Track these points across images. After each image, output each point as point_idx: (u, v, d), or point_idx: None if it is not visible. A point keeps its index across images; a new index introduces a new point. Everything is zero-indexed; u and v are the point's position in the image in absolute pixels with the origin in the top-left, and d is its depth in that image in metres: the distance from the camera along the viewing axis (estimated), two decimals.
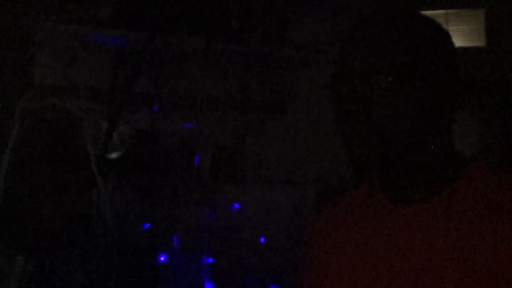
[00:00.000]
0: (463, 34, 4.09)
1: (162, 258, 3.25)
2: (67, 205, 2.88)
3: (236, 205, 3.49)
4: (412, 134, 1.15)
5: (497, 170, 1.21)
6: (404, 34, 1.15)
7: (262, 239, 3.40)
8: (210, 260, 3.38)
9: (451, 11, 4.10)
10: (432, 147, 1.19)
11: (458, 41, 4.08)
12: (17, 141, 2.72)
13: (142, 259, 3.17)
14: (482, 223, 1.12)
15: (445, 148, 1.22)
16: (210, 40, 2.96)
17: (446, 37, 1.21)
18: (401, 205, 1.21)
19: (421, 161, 1.19)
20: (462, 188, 1.18)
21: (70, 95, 2.85)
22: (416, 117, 1.14)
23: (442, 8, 4.10)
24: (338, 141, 1.19)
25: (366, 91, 1.12)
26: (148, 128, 3.04)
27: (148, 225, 3.18)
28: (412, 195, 1.20)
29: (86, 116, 2.87)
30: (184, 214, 3.35)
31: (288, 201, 3.51)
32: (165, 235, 3.28)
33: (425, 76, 1.14)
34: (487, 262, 1.09)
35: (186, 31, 2.91)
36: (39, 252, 2.78)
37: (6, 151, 2.68)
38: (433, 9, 4.13)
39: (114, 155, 2.95)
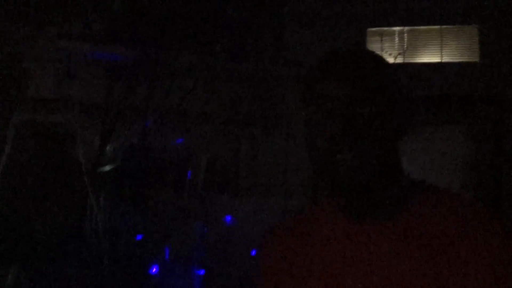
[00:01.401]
0: (456, 50, 4.12)
1: (154, 270, 3.28)
2: (60, 217, 2.91)
3: (229, 218, 3.51)
4: (372, 160, 1.20)
5: (445, 192, 1.27)
6: (361, 68, 1.21)
7: (253, 252, 3.42)
8: (202, 272, 3.40)
9: (445, 27, 4.13)
10: (386, 172, 1.24)
11: (452, 57, 4.12)
12: (11, 154, 2.75)
13: (135, 271, 3.19)
14: (435, 241, 1.17)
15: (397, 172, 1.28)
16: (203, 55, 3.00)
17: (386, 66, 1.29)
18: (362, 225, 1.26)
19: (379, 184, 1.24)
20: (416, 209, 1.24)
21: (64, 109, 2.88)
22: (375, 144, 1.20)
23: (437, 24, 4.13)
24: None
25: (337, 122, 1.18)
26: (141, 142, 3.07)
27: (141, 236, 3.21)
28: (372, 216, 1.25)
29: (80, 130, 2.91)
30: (176, 227, 3.37)
31: (281, 212, 3.54)
32: (157, 247, 3.30)
33: (378, 104, 1.20)
34: (441, 279, 1.14)
35: (179, 46, 2.95)
36: (32, 264, 2.80)
37: (0, 164, 2.71)
38: (428, 25, 4.17)
39: (107, 168, 2.98)
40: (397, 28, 4.20)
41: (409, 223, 1.24)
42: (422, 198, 1.27)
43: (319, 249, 1.30)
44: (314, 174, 1.24)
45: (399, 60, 4.10)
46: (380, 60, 1.31)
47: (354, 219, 1.28)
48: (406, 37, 4.21)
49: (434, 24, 4.18)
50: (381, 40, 4.20)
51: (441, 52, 4.14)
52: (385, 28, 4.20)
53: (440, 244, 1.18)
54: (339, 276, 1.26)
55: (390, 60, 4.05)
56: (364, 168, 1.20)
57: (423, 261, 1.19)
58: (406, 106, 1.27)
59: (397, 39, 4.19)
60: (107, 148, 2.94)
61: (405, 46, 4.19)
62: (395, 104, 1.26)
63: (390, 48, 4.16)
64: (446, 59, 4.13)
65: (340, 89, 1.21)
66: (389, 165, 1.25)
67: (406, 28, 4.20)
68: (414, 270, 1.19)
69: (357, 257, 1.25)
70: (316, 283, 1.28)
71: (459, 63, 4.07)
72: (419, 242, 1.20)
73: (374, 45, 4.19)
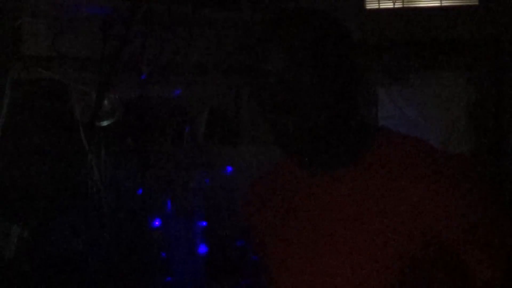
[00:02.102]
0: None
1: (156, 223, 3.30)
2: (60, 173, 2.93)
3: (230, 168, 3.53)
4: (325, 113, 1.26)
5: (400, 136, 1.29)
6: (305, 32, 1.22)
7: None
8: (204, 223, 3.43)
9: None
10: (342, 120, 1.30)
11: (451, 0, 4.07)
12: (8, 112, 2.75)
13: (137, 224, 3.22)
14: (394, 185, 1.22)
15: (354, 121, 1.32)
16: (197, 6, 2.97)
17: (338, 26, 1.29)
18: (319, 176, 1.28)
19: (336, 135, 1.29)
20: (373, 155, 1.28)
21: (59, 65, 2.86)
22: (327, 99, 1.25)
23: None
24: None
25: (281, 89, 1.24)
26: (138, 96, 3.07)
27: (141, 190, 3.23)
28: (327, 167, 1.27)
29: (76, 86, 2.90)
30: (177, 179, 3.39)
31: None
32: (159, 200, 3.32)
33: (330, 63, 1.22)
34: (403, 222, 1.19)
35: None
36: (34, 220, 2.83)
37: None
38: None
39: (105, 123, 2.98)
40: None
41: (365, 169, 1.28)
42: (377, 144, 1.29)
43: (285, 201, 1.37)
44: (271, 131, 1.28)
45: (398, 4, 4.05)
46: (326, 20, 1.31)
47: (310, 172, 1.32)
48: None
49: None
50: None
51: None
52: None
53: (396, 188, 1.21)
54: (301, 227, 1.31)
55: (389, 5, 4.01)
56: (308, 129, 1.26)
57: (379, 206, 1.22)
58: (354, 59, 1.29)
59: None
60: (104, 103, 2.93)
61: None
62: (343, 58, 1.28)
63: None
64: (445, 2, 4.08)
65: (278, 62, 1.24)
66: (340, 116, 1.27)
67: None
68: (371, 216, 1.22)
69: (315, 208, 1.29)
70: (283, 233, 1.34)
71: (457, 7, 4.02)
72: (376, 188, 1.23)
73: None
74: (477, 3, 3.97)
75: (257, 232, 1.47)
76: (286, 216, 1.38)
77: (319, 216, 1.30)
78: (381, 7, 4.11)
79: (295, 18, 1.30)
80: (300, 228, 1.33)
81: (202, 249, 3.39)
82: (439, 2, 4.08)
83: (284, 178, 1.44)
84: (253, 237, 1.50)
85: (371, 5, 4.14)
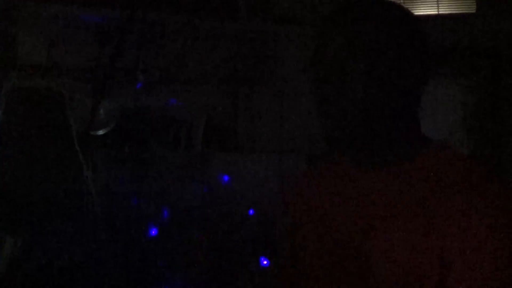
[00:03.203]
0: (453, 1, 4.07)
1: (153, 232, 3.29)
2: (55, 182, 2.92)
3: (226, 177, 3.52)
4: (382, 112, 1.24)
5: (452, 152, 1.27)
6: (371, 21, 1.21)
7: (251, 211, 3.44)
8: (201, 232, 3.42)
9: None
10: (399, 124, 1.27)
11: (449, 8, 4.06)
12: (3, 121, 2.75)
13: (133, 233, 3.21)
14: (435, 195, 1.20)
15: (410, 127, 1.30)
16: (192, 16, 2.96)
17: (408, 17, 1.28)
18: (368, 173, 1.30)
19: (388, 136, 1.27)
20: (419, 163, 1.27)
21: (54, 74, 2.86)
22: (386, 97, 1.23)
23: None
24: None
25: (339, 74, 1.22)
26: (133, 105, 3.06)
27: (138, 199, 3.22)
28: (383, 164, 1.29)
29: (71, 95, 2.89)
30: (174, 187, 3.38)
31: (278, 171, 3.54)
32: (155, 209, 3.32)
33: (393, 58, 1.20)
34: (438, 231, 1.17)
35: (168, 7, 2.91)
36: (28, 230, 2.81)
37: None
38: None
39: (100, 132, 2.97)
40: None
41: (412, 174, 1.26)
42: (432, 150, 1.27)
43: (331, 196, 1.36)
44: (323, 128, 1.27)
45: None
46: (400, 11, 1.29)
47: (361, 167, 1.31)
48: None
49: None
50: None
51: (438, 4, 4.09)
52: None
53: (439, 198, 1.19)
54: (345, 220, 1.30)
55: None
56: (367, 127, 1.24)
57: (422, 213, 1.20)
58: (426, 57, 1.27)
59: None
60: (100, 112, 2.93)
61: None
62: (413, 57, 1.25)
63: None
64: (442, 10, 4.08)
65: (345, 47, 1.22)
66: (396, 121, 1.26)
67: None
68: (413, 221, 1.20)
69: (362, 203, 1.28)
70: (325, 227, 1.33)
71: (455, 14, 4.02)
72: (420, 194, 1.22)
73: None
74: (474, 11, 3.97)
75: (297, 219, 1.46)
76: (331, 208, 1.37)
77: (365, 211, 1.30)
78: None
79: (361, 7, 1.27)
80: (343, 221, 1.33)
81: (199, 258, 3.37)
82: (436, 10, 4.07)
83: (333, 173, 1.43)
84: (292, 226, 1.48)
85: None
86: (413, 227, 1.20)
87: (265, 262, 3.30)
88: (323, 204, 1.39)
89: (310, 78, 1.28)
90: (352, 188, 1.34)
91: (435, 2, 4.09)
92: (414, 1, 4.12)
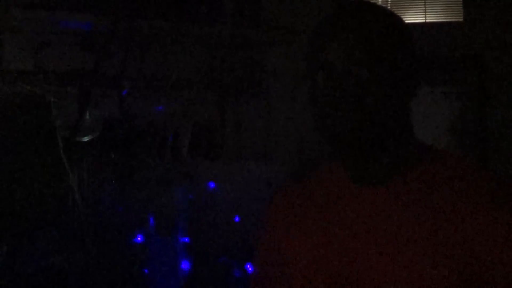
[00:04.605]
0: (440, 9, 4.07)
1: (139, 239, 3.28)
2: (40, 188, 2.91)
3: (212, 184, 3.51)
4: (379, 120, 1.22)
5: (453, 157, 1.26)
6: (369, 26, 1.20)
7: (236, 218, 3.43)
8: (187, 239, 3.41)
9: None
10: (395, 132, 1.25)
11: (436, 16, 4.07)
12: None
13: (119, 240, 3.20)
14: (437, 204, 1.18)
15: (406, 134, 1.29)
16: (178, 22, 2.96)
17: (400, 23, 1.27)
18: (363, 186, 1.26)
19: (385, 145, 1.25)
20: (419, 172, 1.24)
21: (40, 80, 2.85)
22: (382, 104, 1.21)
23: None
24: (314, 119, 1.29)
25: (341, 81, 1.20)
26: (119, 112, 3.05)
27: (124, 206, 3.21)
28: (373, 177, 1.25)
29: (56, 101, 2.88)
30: (160, 194, 3.37)
31: (264, 178, 3.53)
32: (141, 216, 3.31)
33: (389, 65, 1.19)
34: (442, 241, 1.14)
35: (155, 14, 2.91)
36: (13, 238, 2.80)
37: None
38: None
39: (86, 138, 2.96)
40: None
41: (412, 185, 1.24)
42: (427, 162, 1.26)
43: (324, 209, 1.32)
44: (320, 135, 1.25)
45: None
46: (391, 16, 1.29)
47: (357, 181, 1.28)
48: None
49: None
50: None
51: (425, 12, 4.09)
52: None
53: (441, 207, 1.17)
54: (340, 236, 1.27)
55: None
56: (368, 128, 1.21)
57: (425, 224, 1.17)
58: (416, 67, 1.27)
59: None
60: (86, 118, 2.92)
61: (389, 6, 4.14)
62: (406, 65, 1.24)
63: None
64: (430, 19, 4.09)
65: (347, 52, 1.20)
66: (396, 126, 1.25)
67: None
68: (415, 233, 1.18)
69: (359, 219, 1.25)
70: (317, 242, 1.29)
71: (442, 23, 4.03)
72: (422, 205, 1.20)
73: None
74: (462, 19, 3.98)
75: (283, 234, 1.40)
76: (324, 221, 1.33)
77: (361, 225, 1.26)
78: None
79: (357, 13, 1.25)
80: (337, 234, 1.29)
81: (185, 265, 3.36)
82: (424, 18, 4.08)
83: (324, 186, 1.39)
84: (277, 240, 1.42)
85: None
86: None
87: (250, 269, 3.29)
88: (314, 219, 1.35)
89: (307, 85, 1.27)
90: (344, 200, 1.31)
91: (423, 10, 4.10)
92: (401, 9, 4.13)
